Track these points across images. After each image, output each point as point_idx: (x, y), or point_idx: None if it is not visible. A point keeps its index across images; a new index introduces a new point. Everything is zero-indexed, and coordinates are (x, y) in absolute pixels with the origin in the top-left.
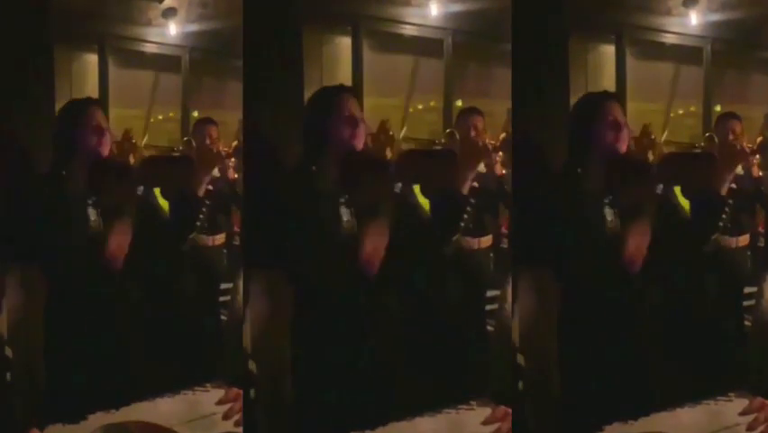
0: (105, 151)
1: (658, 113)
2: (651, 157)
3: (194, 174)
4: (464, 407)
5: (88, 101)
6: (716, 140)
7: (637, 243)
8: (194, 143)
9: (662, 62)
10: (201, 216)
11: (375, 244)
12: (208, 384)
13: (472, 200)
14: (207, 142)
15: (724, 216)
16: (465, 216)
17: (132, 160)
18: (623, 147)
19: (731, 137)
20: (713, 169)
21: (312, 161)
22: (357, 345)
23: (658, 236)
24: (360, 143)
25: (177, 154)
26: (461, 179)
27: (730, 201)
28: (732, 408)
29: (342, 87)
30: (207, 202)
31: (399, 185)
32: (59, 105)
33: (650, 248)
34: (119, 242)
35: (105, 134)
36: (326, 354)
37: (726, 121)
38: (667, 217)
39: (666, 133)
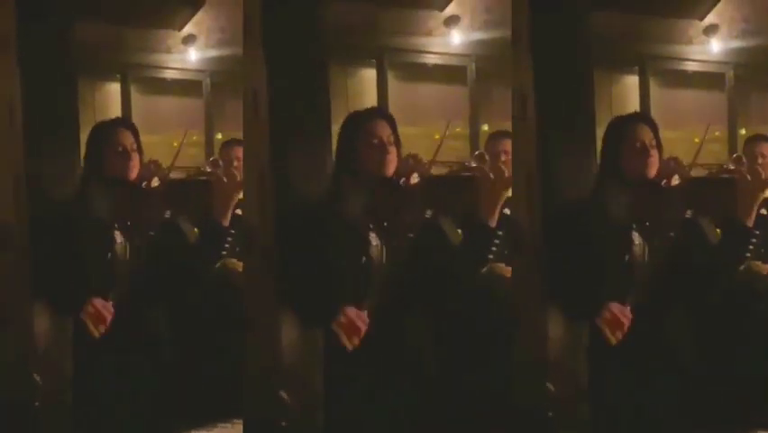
0: (133, 174)
1: (683, 141)
2: (676, 181)
3: (217, 203)
4: None
5: (116, 122)
6: (744, 161)
7: None
8: (221, 163)
9: (685, 90)
10: (227, 242)
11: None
12: (236, 420)
13: (500, 232)
14: (235, 163)
15: (752, 242)
16: (494, 245)
17: (156, 182)
18: (651, 172)
19: (760, 160)
20: (738, 197)
21: (340, 187)
22: (390, 372)
23: (687, 262)
24: (389, 170)
25: (202, 177)
26: (489, 209)
27: (756, 232)
28: None
29: (372, 111)
30: (232, 231)
31: (429, 211)
32: (83, 135)
33: (680, 274)
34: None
35: (132, 157)
36: (359, 382)
37: (754, 143)
38: (695, 243)
39: (692, 158)
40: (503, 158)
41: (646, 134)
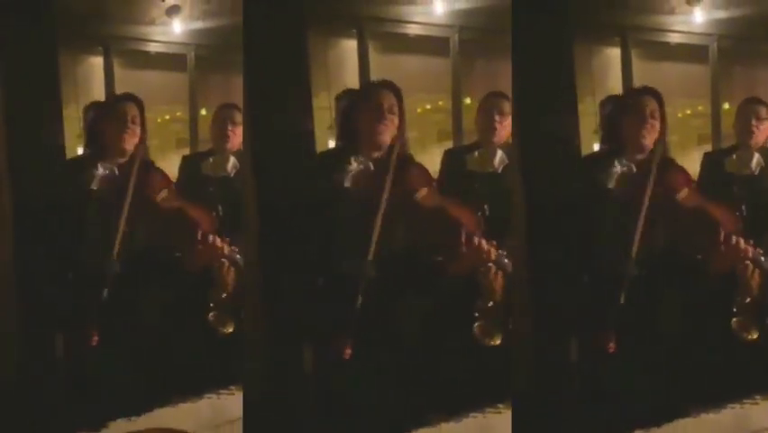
0: (130, 146)
1: (666, 116)
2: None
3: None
4: (491, 410)
5: (124, 96)
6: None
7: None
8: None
9: (668, 62)
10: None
11: None
12: (233, 387)
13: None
14: (229, 127)
15: None
16: None
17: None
18: (649, 142)
19: (754, 121)
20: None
21: (342, 150)
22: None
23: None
24: (386, 139)
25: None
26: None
27: None
28: (759, 411)
29: (383, 82)
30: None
31: None
32: (65, 111)
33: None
34: None
35: (129, 129)
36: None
37: (748, 105)
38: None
39: (675, 135)
40: (496, 117)
41: (653, 105)
